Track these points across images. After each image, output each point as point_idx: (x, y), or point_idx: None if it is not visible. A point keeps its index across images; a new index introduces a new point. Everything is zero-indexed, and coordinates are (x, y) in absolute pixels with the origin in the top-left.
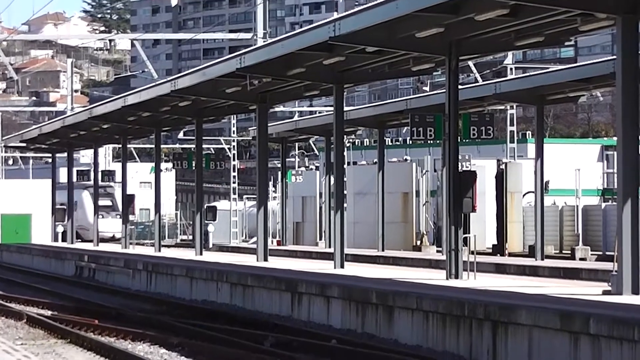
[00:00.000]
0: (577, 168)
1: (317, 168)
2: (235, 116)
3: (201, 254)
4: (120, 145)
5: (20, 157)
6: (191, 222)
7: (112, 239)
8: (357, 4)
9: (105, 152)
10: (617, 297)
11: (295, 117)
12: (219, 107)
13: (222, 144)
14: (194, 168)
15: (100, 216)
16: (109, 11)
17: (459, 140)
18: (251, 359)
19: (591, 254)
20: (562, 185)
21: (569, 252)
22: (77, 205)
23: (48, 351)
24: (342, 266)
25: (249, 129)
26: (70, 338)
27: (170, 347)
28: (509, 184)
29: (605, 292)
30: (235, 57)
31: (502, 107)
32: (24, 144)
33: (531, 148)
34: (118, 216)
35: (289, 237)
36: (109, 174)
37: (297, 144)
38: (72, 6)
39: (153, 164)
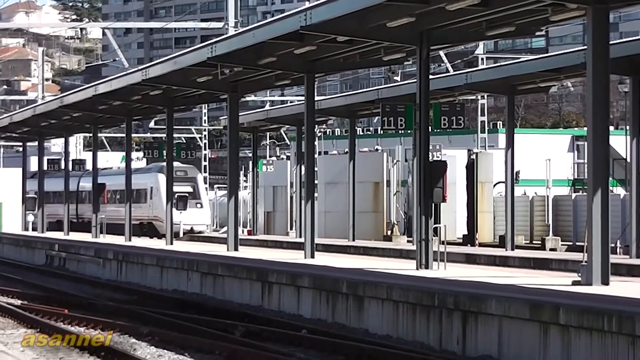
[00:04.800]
0: (547, 158)
1: (288, 157)
2: (206, 105)
3: (172, 243)
4: (91, 134)
5: None
6: None
7: (191, 233)
8: None
9: (76, 141)
10: (587, 287)
11: (267, 107)
12: (190, 96)
13: (193, 133)
14: (164, 157)
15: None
16: None
17: (429, 130)
18: (221, 348)
19: (561, 245)
20: (533, 176)
21: (539, 242)
22: (151, 192)
23: (17, 340)
24: (312, 256)
25: (220, 118)
26: (40, 327)
27: (140, 336)
28: (479, 174)
29: (575, 283)
30: (206, 46)
31: (473, 97)
32: None
33: (502, 138)
34: (199, 205)
35: (259, 226)
36: (79, 163)
37: (268, 133)
38: None
39: (124, 153)
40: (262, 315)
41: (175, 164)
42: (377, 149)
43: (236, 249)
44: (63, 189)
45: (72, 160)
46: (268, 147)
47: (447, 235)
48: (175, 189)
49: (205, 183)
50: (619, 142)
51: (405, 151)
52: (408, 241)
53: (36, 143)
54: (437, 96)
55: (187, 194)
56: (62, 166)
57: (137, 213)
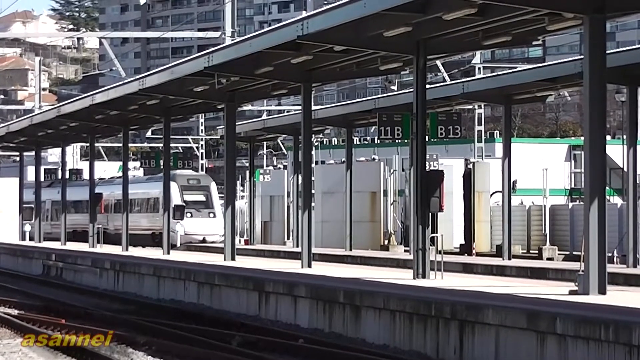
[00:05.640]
0: (544, 168)
1: (285, 167)
2: (203, 115)
3: (169, 253)
4: (88, 144)
5: None
6: None
7: (203, 243)
8: (325, 2)
9: (73, 150)
10: (584, 296)
11: (264, 116)
12: (187, 106)
13: (190, 142)
14: (162, 167)
15: (188, 214)
16: (77, 9)
17: (426, 139)
18: (218, 358)
19: (558, 254)
20: (530, 185)
21: (537, 251)
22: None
23: (15, 350)
24: (309, 265)
25: (217, 127)
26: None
27: (137, 346)
28: (476, 184)
29: (572, 292)
30: (203, 55)
31: (470, 107)
32: None
33: (499, 147)
34: (212, 215)
35: (256, 236)
36: (76, 173)
37: (265, 143)
38: (40, 4)
39: (121, 163)
40: (259, 325)
41: (189, 172)
42: (374, 159)
43: (233, 259)
44: (85, 198)
45: (69, 169)
46: (265, 156)
47: (444, 244)
48: (188, 197)
49: None
50: (616, 152)
51: (402, 161)
52: (405, 251)
53: (33, 153)
54: (434, 106)
55: (184, 204)
56: (60, 175)
57: (149, 223)
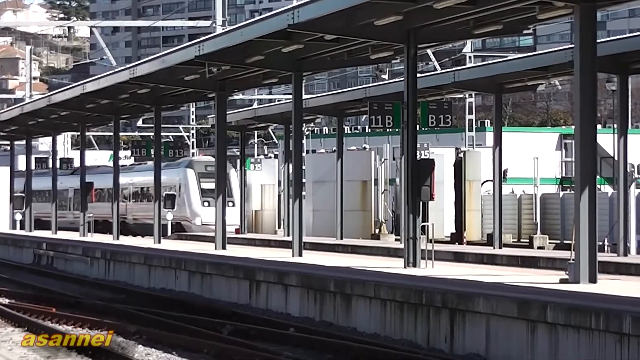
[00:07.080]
0: (535, 156)
1: (276, 156)
2: (194, 104)
3: (159, 242)
4: (79, 133)
5: None
6: None
7: None
8: None
9: (64, 139)
10: (574, 285)
11: (254, 105)
12: (177, 95)
13: (181, 131)
14: (152, 156)
15: (206, 203)
16: None
17: (417, 128)
18: (209, 347)
19: (549, 243)
20: (521, 174)
21: (527, 240)
22: (179, 190)
23: (5, 339)
24: (300, 254)
25: (208, 117)
26: (27, 326)
27: (128, 335)
28: (467, 173)
29: (562, 281)
30: (193, 44)
31: (461, 96)
32: None
33: (490, 136)
34: (231, 204)
35: (247, 225)
36: (67, 162)
37: (256, 132)
38: None
39: (112, 152)
40: (250, 314)
41: (207, 158)
42: (365, 148)
43: (224, 248)
44: (108, 186)
45: (60, 159)
46: (256, 145)
47: (434, 233)
48: (206, 185)
49: None
50: (607, 140)
51: (393, 149)
52: (396, 239)
53: (24, 142)
54: (424, 94)
55: (174, 194)
56: (50, 165)
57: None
